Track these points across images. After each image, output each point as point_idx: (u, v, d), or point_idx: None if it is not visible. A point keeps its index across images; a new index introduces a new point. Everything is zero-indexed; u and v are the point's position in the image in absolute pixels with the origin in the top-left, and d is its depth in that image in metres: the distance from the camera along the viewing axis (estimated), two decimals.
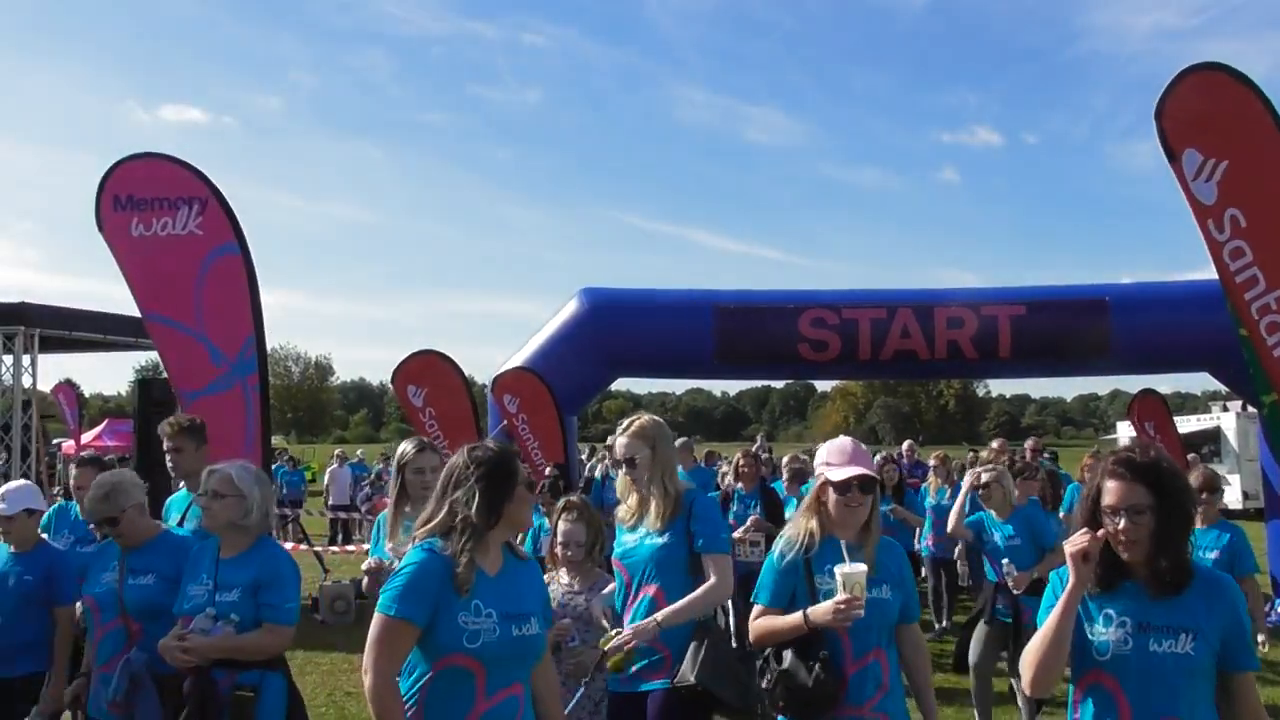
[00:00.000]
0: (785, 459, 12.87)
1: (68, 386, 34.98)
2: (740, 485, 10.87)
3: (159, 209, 7.94)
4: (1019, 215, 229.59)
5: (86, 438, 35.32)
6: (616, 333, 15.28)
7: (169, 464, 6.62)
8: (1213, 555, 7.17)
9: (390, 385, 15.65)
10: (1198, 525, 7.39)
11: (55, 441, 34.39)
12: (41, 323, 15.82)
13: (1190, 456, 16.51)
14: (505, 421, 14.36)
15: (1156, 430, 15.48)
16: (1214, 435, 32.63)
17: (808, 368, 16.28)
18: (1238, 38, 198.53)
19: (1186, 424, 29.68)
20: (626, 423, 5.06)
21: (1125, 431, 22.56)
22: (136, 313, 8.55)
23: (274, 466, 26.53)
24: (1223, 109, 7.81)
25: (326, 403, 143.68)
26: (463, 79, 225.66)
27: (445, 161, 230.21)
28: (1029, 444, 14.06)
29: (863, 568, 4.01)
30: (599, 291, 15.84)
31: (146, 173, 8.11)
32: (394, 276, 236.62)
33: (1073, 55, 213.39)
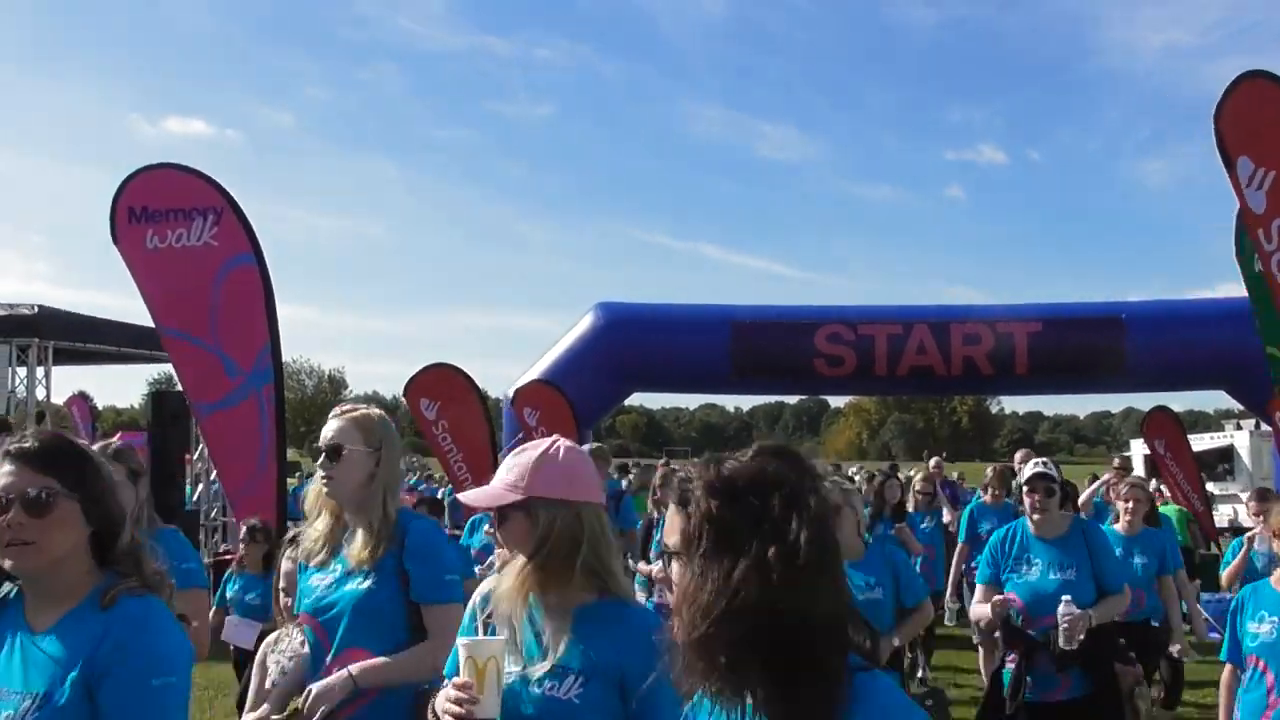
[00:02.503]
0: None
1: (81, 399, 35.04)
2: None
3: (174, 220, 7.89)
4: (1028, 233, 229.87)
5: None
6: (632, 347, 15.25)
7: None
8: None
9: (403, 399, 15.62)
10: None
11: None
12: (55, 335, 15.82)
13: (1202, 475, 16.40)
14: (523, 434, 14.33)
15: (1168, 448, 15.27)
16: (1227, 453, 32.44)
17: (823, 383, 16.26)
18: (1250, 55, 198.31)
19: (1200, 442, 29.53)
20: (346, 406, 3.79)
21: (1139, 449, 22.52)
22: (150, 324, 8.53)
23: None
24: (1274, 117, 7.69)
25: None
26: (476, 94, 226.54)
27: (458, 176, 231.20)
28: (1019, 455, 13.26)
29: (494, 641, 2.64)
30: (615, 306, 15.82)
31: (161, 184, 8.06)
32: (407, 291, 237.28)
33: (1084, 72, 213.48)
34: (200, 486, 18.02)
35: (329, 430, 3.61)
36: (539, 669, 2.62)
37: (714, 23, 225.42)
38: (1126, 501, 7.95)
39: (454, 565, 3.64)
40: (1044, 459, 5.98)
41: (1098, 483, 11.43)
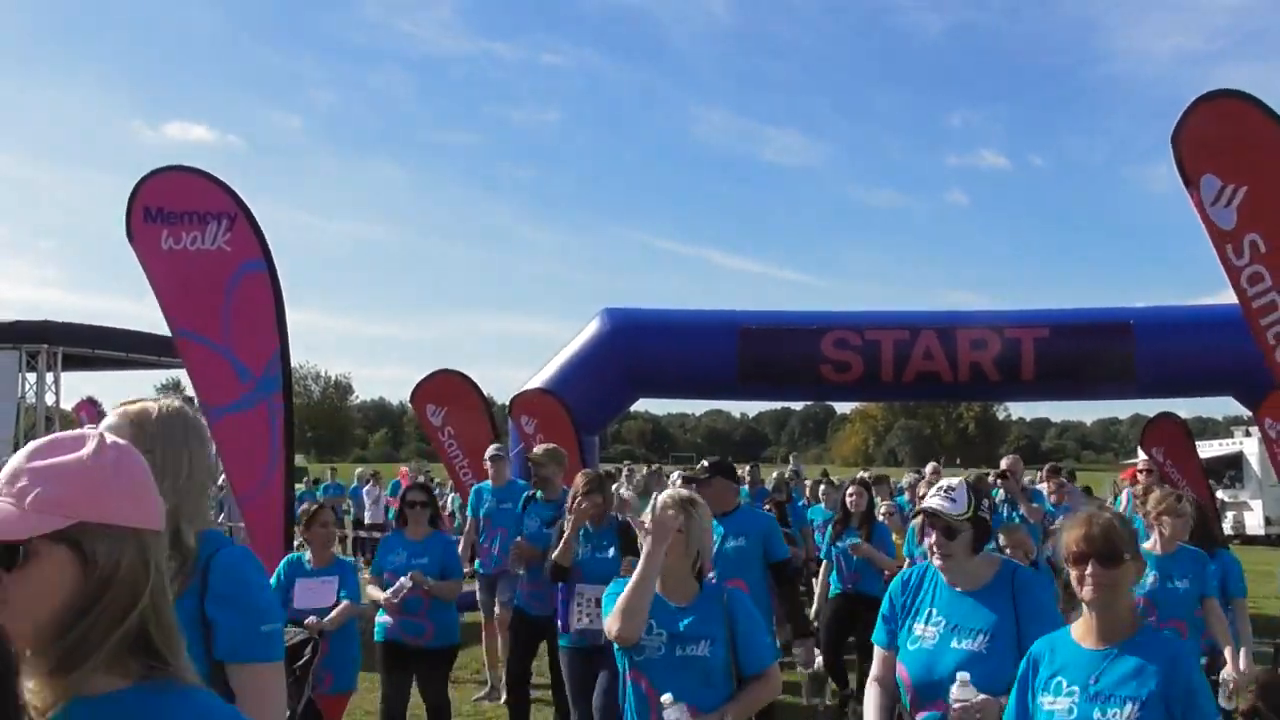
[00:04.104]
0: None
1: (90, 404, 35.09)
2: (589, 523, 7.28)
3: (189, 223, 7.96)
4: (1032, 239, 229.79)
5: None
6: (639, 353, 15.25)
7: None
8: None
9: (410, 405, 15.67)
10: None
11: None
12: (64, 341, 15.88)
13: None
14: (523, 444, 14.33)
15: (1169, 455, 15.02)
16: (1236, 460, 32.46)
17: (830, 389, 16.21)
18: (1258, 60, 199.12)
19: (1208, 449, 29.54)
20: (128, 400, 2.84)
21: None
22: (159, 331, 8.59)
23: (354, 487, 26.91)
24: (1240, 134, 7.83)
25: (346, 422, 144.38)
26: (482, 98, 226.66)
27: (464, 181, 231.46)
28: (1005, 462, 11.68)
29: None
30: (621, 312, 15.82)
31: (176, 186, 8.13)
32: (413, 296, 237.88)
33: (1091, 78, 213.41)
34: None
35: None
36: None
37: (719, 28, 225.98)
38: (1159, 516, 6.63)
39: (272, 611, 2.82)
40: (948, 485, 4.29)
41: (1124, 495, 10.21)
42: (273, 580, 7.13)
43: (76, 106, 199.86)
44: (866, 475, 15.56)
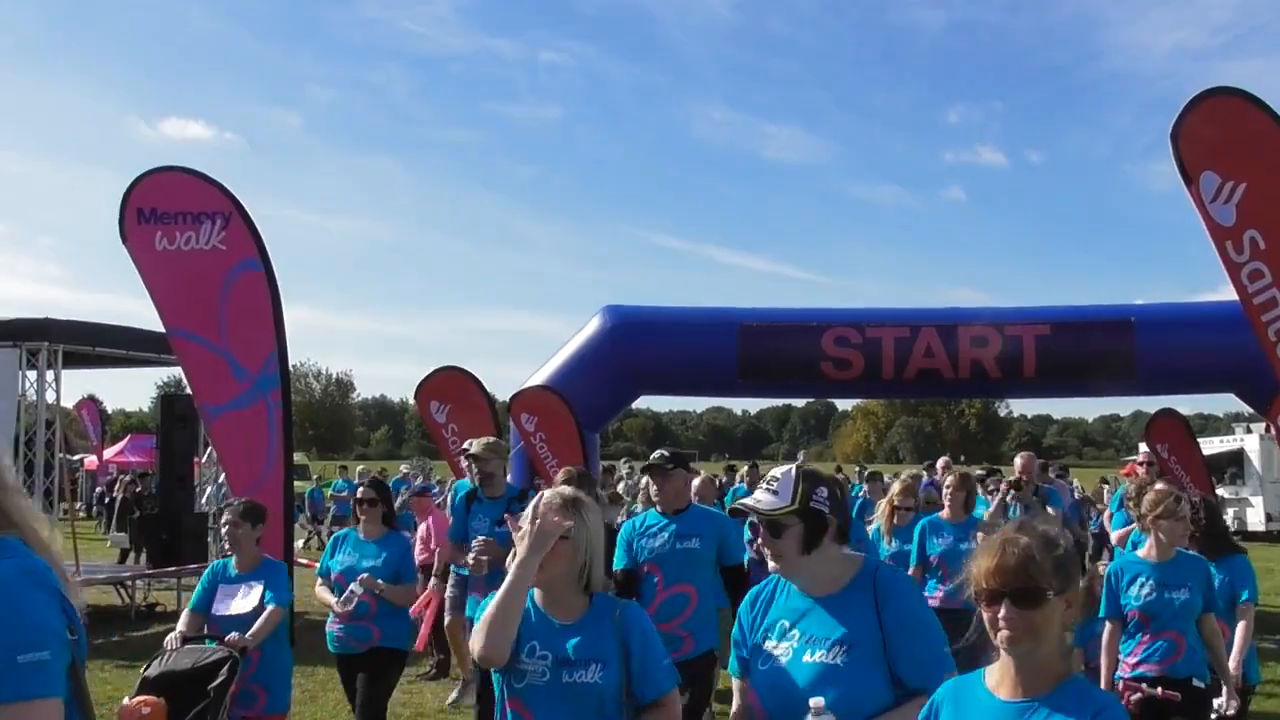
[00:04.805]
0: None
1: (91, 402, 35.22)
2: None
3: (182, 223, 7.96)
4: (1033, 236, 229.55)
5: (109, 453, 35.55)
6: (639, 350, 15.24)
7: None
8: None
9: (412, 402, 15.69)
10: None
11: (77, 457, 34.54)
12: (64, 338, 15.86)
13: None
14: (522, 442, 14.33)
15: (1173, 452, 15.05)
16: (1237, 457, 32.46)
17: (831, 387, 16.21)
18: (1260, 56, 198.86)
19: (1209, 445, 29.52)
20: None
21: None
22: (159, 328, 8.58)
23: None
24: (1239, 132, 7.83)
25: (348, 419, 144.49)
26: (482, 95, 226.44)
27: (465, 178, 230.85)
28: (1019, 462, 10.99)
29: None
30: (622, 309, 15.81)
31: (170, 186, 8.14)
32: (414, 293, 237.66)
33: (1092, 75, 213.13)
34: (209, 489, 18.09)
35: None
36: None
37: (719, 25, 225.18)
38: (1155, 520, 6.10)
39: (41, 636, 2.21)
40: (772, 474, 3.58)
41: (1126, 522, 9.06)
42: (196, 589, 6.61)
43: (74, 103, 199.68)
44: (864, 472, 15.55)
